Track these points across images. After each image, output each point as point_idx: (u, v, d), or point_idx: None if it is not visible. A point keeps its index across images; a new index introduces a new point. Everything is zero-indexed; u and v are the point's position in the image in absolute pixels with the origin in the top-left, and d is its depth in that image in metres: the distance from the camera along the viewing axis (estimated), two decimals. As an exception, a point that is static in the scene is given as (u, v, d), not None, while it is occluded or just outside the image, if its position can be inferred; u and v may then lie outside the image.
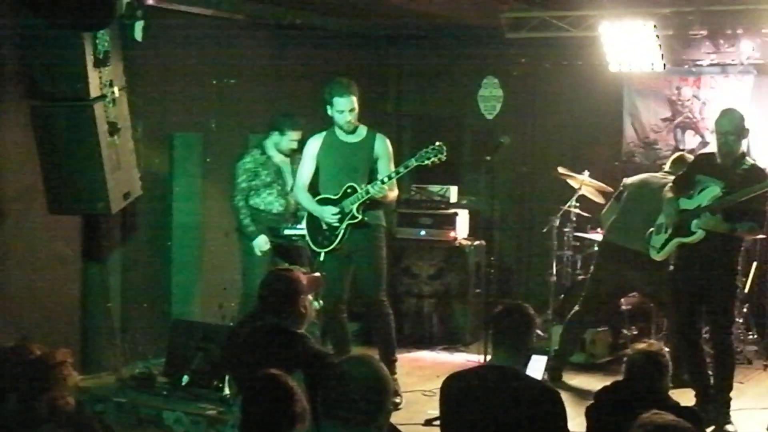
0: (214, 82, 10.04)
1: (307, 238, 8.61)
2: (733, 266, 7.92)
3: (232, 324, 9.18)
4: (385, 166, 8.43)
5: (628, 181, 9.44)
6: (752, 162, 7.79)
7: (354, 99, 8.31)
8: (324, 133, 8.55)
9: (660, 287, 8.93)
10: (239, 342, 5.99)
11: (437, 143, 8.25)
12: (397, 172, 8.35)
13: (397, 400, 8.25)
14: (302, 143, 8.94)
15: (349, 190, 8.35)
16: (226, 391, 7.67)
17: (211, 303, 9.99)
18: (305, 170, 8.61)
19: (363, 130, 8.50)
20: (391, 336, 8.61)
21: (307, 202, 8.57)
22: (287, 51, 10.90)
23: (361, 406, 3.71)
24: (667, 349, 9.01)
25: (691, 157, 9.25)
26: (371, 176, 8.42)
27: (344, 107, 8.28)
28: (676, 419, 3.93)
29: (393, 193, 8.57)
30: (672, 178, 8.81)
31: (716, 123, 7.84)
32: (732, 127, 7.70)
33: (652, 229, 8.36)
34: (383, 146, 8.49)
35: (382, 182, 8.29)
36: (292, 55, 10.92)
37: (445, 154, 8.26)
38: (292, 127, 9.17)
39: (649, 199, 8.84)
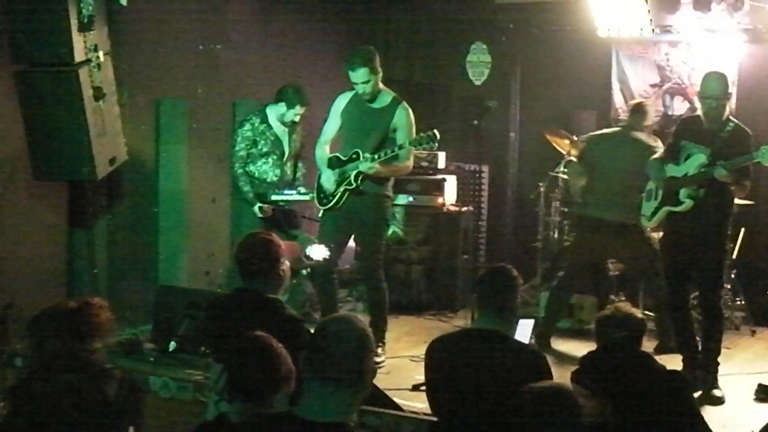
0: (201, 47, 9.97)
1: (315, 191, 8.68)
2: (724, 233, 7.92)
3: (219, 290, 9.19)
4: (403, 137, 8.37)
5: (586, 139, 9.44)
6: (736, 123, 7.76)
7: (366, 71, 8.22)
8: (352, 93, 8.52)
9: (638, 254, 8.98)
10: (217, 307, 5.98)
11: (432, 131, 8.20)
12: (386, 153, 8.30)
13: (380, 359, 8.30)
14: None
15: (354, 156, 8.35)
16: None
17: (198, 269, 9.97)
18: (329, 126, 8.65)
19: (387, 97, 8.47)
20: (384, 307, 8.65)
21: (320, 159, 8.62)
22: (274, 17, 10.84)
23: (350, 365, 3.69)
24: (649, 313, 9.12)
25: (649, 105, 9.31)
26: (384, 144, 8.37)
27: (357, 80, 8.28)
28: (558, 384, 3.88)
29: (404, 165, 8.53)
30: (633, 133, 8.88)
31: (704, 87, 7.75)
32: (720, 90, 7.67)
33: (643, 194, 8.35)
34: (404, 117, 8.41)
35: (373, 159, 8.25)
36: (279, 22, 10.87)
37: (437, 143, 8.26)
38: (301, 102, 9.08)
39: (615, 160, 8.88)
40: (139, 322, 9.07)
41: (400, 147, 8.29)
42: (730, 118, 7.79)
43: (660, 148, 8.66)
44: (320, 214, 8.66)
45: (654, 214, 8.16)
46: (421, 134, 8.26)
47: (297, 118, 9.14)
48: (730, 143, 7.58)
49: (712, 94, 7.66)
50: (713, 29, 10.52)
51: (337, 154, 8.53)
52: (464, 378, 5.12)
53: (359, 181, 8.32)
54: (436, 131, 8.22)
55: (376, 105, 8.43)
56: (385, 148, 8.32)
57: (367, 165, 8.25)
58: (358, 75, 8.25)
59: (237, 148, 9.16)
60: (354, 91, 8.47)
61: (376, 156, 8.25)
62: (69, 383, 4.41)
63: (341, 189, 8.40)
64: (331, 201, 8.47)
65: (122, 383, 4.58)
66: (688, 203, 7.75)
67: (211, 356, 5.97)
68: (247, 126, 9.16)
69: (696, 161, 7.70)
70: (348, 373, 3.68)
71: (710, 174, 7.53)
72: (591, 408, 3.89)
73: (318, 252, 8.39)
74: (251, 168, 9.18)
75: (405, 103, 8.50)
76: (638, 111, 9.27)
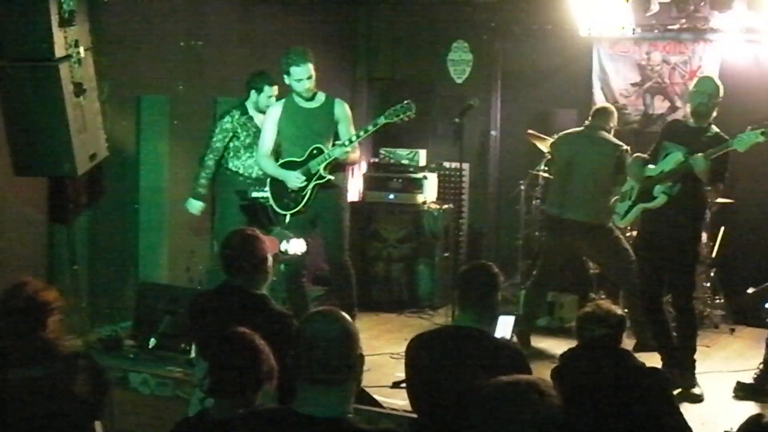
0: (182, 44, 9.95)
1: (272, 202, 8.57)
2: (697, 231, 8.02)
3: (199, 287, 9.17)
4: (346, 129, 8.44)
5: (555, 140, 9.45)
6: (716, 130, 7.83)
7: (311, 66, 8.28)
8: (283, 101, 8.55)
9: (607, 254, 9.01)
10: (202, 304, 5.97)
11: (406, 101, 8.23)
12: (366, 131, 8.34)
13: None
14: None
15: (315, 152, 8.33)
16: (193, 353, 7.65)
17: (179, 266, 9.94)
18: (267, 137, 8.59)
19: (321, 96, 8.49)
20: (351, 294, 8.61)
21: (271, 168, 8.54)
22: (257, 14, 10.82)
23: (337, 364, 3.65)
24: (626, 310, 9.14)
25: (612, 108, 9.34)
26: (334, 140, 8.42)
27: (302, 75, 8.27)
28: (517, 379, 3.71)
29: (355, 155, 8.57)
30: (599, 133, 8.88)
31: (699, 83, 7.89)
32: (714, 89, 7.80)
33: (617, 197, 8.42)
34: (342, 110, 8.49)
35: (350, 141, 8.29)
36: (261, 19, 10.85)
37: (413, 111, 8.24)
38: (268, 83, 9.08)
39: (580, 160, 8.91)
40: (119, 318, 9.06)
41: (375, 124, 8.31)
42: (713, 125, 7.85)
43: (625, 147, 8.75)
44: (286, 221, 8.52)
45: (627, 212, 8.23)
46: (396, 106, 8.26)
47: (273, 101, 9.08)
48: (710, 146, 7.62)
49: (705, 90, 7.78)
50: (694, 29, 10.55)
51: (290, 159, 8.48)
52: (444, 375, 5.13)
53: (328, 173, 8.32)
54: (408, 100, 8.23)
55: (314, 104, 8.46)
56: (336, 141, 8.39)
57: (342, 150, 8.27)
58: (304, 70, 8.26)
59: (214, 140, 9.11)
60: (284, 100, 8.53)
61: (350, 139, 8.31)
62: (33, 379, 4.29)
63: (311, 185, 8.37)
64: (301, 201, 8.41)
65: (89, 374, 4.46)
66: (661, 198, 7.82)
67: (197, 353, 5.96)
68: (227, 118, 9.14)
69: (673, 159, 7.79)
70: (336, 372, 3.65)
71: (687, 168, 7.58)
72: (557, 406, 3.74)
73: (296, 246, 8.37)
74: (236, 163, 9.14)
75: (339, 99, 8.59)
76: (604, 112, 9.25)
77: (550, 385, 3.56)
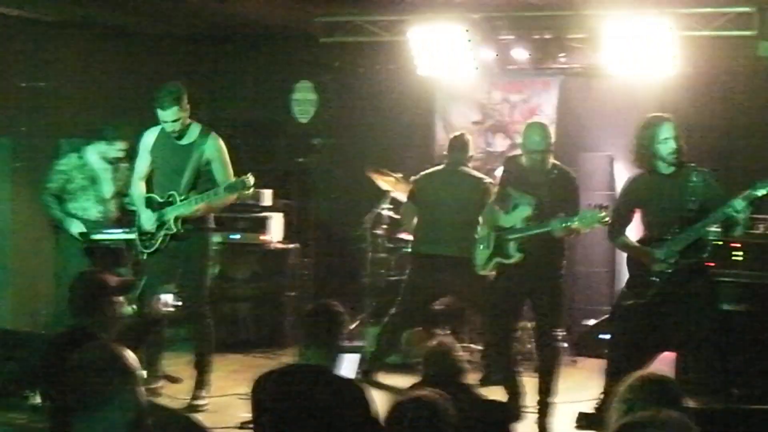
0: (23, 84, 9.83)
1: (137, 233, 8.52)
2: (558, 267, 8.02)
3: (44, 331, 9.03)
4: (219, 168, 8.30)
5: (417, 180, 9.48)
6: (559, 168, 7.87)
7: (176, 110, 8.13)
8: (159, 129, 8.40)
9: (472, 288, 9.10)
10: (52, 348, 5.91)
11: (246, 176, 8.03)
12: (203, 198, 8.18)
13: (202, 402, 8.40)
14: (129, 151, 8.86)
15: (170, 198, 8.26)
16: (38, 399, 7.53)
17: (23, 310, 9.79)
18: (141, 164, 8.54)
19: (195, 131, 8.36)
20: (210, 347, 8.62)
21: (137, 199, 8.50)
22: (99, 53, 10.75)
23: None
24: (475, 346, 9.27)
25: (468, 137, 9.38)
26: (200, 180, 8.30)
27: (167, 119, 8.18)
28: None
29: (224, 199, 8.34)
30: (460, 168, 8.98)
31: (527, 141, 7.82)
32: (545, 144, 7.76)
33: (477, 232, 8.49)
34: (214, 147, 8.33)
35: (191, 203, 8.19)
36: (104, 58, 10.77)
37: (251, 185, 8.09)
38: (120, 137, 8.99)
39: (444, 196, 9.00)
40: (-41, 364, 8.86)
41: (215, 193, 8.13)
42: (555, 163, 7.90)
43: (489, 180, 8.86)
44: (144, 257, 8.48)
45: (487, 263, 8.20)
46: (236, 180, 8.09)
47: (121, 154, 9.05)
48: (554, 190, 7.71)
49: (537, 148, 7.75)
50: (532, 68, 10.77)
51: (155, 195, 8.41)
52: (290, 413, 5.16)
53: (179, 225, 8.25)
54: (248, 178, 8.02)
55: (184, 141, 8.34)
56: (202, 183, 8.26)
57: (187, 208, 8.19)
58: (168, 114, 8.16)
59: (50, 180, 9.03)
60: (160, 127, 8.38)
61: (193, 200, 8.17)
62: None
63: (161, 233, 8.29)
64: (153, 245, 8.34)
65: None
66: (517, 257, 7.82)
67: (43, 398, 5.90)
68: (64, 160, 9.08)
69: (522, 213, 7.79)
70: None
71: (539, 229, 7.63)
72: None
73: (171, 300, 8.33)
74: (74, 205, 9.05)
75: (214, 133, 8.43)
76: (458, 145, 9.33)
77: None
